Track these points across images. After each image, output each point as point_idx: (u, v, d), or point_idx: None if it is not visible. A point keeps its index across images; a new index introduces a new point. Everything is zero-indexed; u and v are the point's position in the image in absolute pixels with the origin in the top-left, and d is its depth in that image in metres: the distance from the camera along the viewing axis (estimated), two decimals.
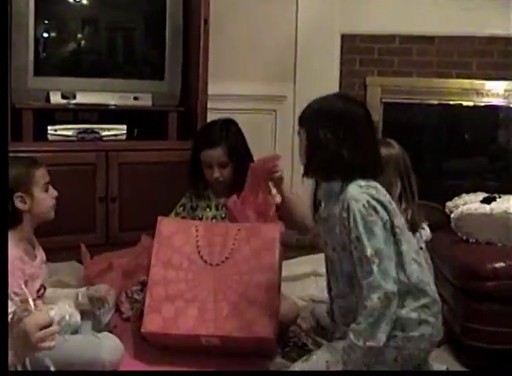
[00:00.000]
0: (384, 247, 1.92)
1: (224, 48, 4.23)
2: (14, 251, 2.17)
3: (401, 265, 1.98)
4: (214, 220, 2.82)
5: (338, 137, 2.01)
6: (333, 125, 2.03)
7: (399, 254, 1.98)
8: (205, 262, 2.29)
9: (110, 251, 3.28)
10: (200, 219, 2.81)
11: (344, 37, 4.41)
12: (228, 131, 2.83)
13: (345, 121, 2.04)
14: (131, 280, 2.94)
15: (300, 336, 2.67)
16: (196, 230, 2.33)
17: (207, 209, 2.86)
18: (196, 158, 2.83)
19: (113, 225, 3.57)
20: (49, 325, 1.58)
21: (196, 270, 2.30)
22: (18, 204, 2.24)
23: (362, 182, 2.01)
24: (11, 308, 1.71)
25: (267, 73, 4.44)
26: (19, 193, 2.24)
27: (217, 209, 2.84)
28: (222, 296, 2.27)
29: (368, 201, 1.95)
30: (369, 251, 1.91)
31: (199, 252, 2.30)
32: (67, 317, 2.21)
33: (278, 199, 2.64)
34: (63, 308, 2.25)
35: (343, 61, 4.43)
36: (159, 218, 2.57)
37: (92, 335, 2.27)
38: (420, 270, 2.03)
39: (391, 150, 2.51)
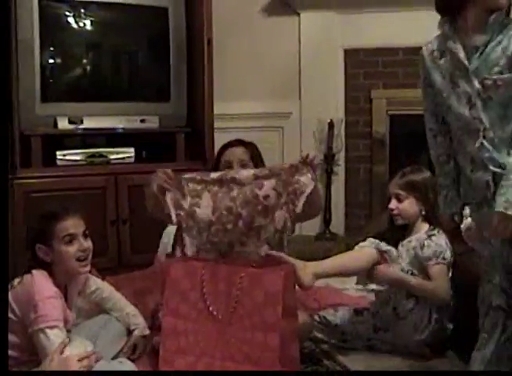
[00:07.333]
0: None
1: (228, 68, 4.25)
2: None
3: None
4: None
5: None
6: None
7: None
8: (211, 313, 2.28)
9: (124, 273, 3.30)
10: None
11: (347, 51, 4.43)
12: (249, 142, 2.82)
13: None
14: (143, 299, 2.94)
15: (314, 353, 2.65)
16: (202, 274, 2.32)
17: None
18: (217, 163, 2.81)
19: (125, 247, 3.58)
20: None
21: (203, 322, 2.29)
22: (40, 255, 2.24)
23: None
24: None
25: (272, 90, 4.46)
26: (39, 245, 2.24)
27: None
28: (228, 354, 2.25)
29: None
30: None
31: (205, 301, 2.29)
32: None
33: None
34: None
35: (347, 75, 4.45)
36: (169, 261, 2.62)
37: (108, 363, 2.24)
38: None
39: (424, 174, 2.71)
